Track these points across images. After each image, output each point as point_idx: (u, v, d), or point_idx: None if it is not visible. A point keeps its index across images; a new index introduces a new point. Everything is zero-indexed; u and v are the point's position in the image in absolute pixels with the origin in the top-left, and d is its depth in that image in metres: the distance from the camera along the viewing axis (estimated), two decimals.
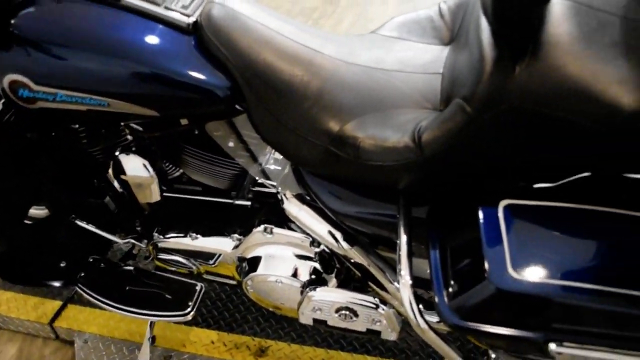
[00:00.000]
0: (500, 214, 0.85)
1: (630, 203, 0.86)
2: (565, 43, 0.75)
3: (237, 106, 1.06)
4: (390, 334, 1.16)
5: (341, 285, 1.23)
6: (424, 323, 0.93)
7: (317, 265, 1.20)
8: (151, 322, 1.46)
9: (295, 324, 1.53)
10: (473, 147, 0.83)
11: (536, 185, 0.91)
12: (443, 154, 0.85)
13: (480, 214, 0.86)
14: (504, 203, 0.86)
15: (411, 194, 0.99)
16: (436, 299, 0.88)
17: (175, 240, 1.33)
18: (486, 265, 0.82)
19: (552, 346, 0.82)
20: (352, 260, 1.14)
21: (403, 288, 0.93)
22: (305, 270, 1.21)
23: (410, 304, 0.92)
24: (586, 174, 0.91)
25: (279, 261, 1.22)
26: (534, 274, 0.80)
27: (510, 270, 0.81)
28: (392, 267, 1.12)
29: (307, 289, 1.17)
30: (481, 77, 0.78)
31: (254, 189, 1.26)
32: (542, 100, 0.75)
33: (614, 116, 0.71)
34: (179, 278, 1.41)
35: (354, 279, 1.24)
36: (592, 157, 0.82)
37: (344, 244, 1.11)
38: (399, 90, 1.00)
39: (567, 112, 0.74)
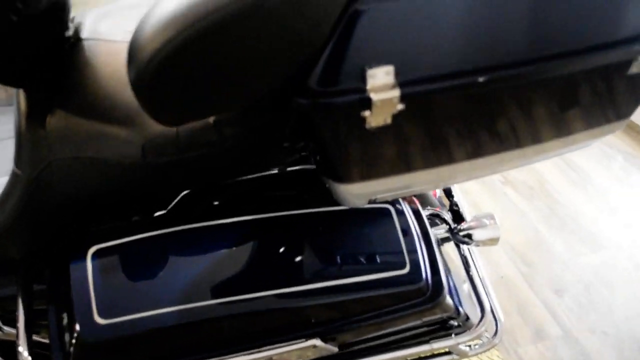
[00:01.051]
0: (88, 262, 0.83)
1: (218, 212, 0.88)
2: (85, 85, 0.74)
3: None
4: None
5: None
6: None
7: None
8: None
9: None
10: (44, 206, 0.80)
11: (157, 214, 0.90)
12: (17, 225, 0.81)
13: (71, 268, 0.83)
14: (92, 250, 0.84)
15: (30, 263, 0.93)
16: None
17: None
18: (75, 321, 0.79)
19: None
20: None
21: None
22: None
23: None
24: (185, 191, 0.91)
25: None
26: (120, 315, 0.78)
27: (97, 318, 0.78)
28: None
29: None
30: (19, 137, 0.75)
31: None
32: (78, 146, 0.73)
33: (137, 150, 0.72)
34: None
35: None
36: (163, 183, 0.82)
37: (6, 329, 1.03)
38: None
39: (101, 153, 0.73)
